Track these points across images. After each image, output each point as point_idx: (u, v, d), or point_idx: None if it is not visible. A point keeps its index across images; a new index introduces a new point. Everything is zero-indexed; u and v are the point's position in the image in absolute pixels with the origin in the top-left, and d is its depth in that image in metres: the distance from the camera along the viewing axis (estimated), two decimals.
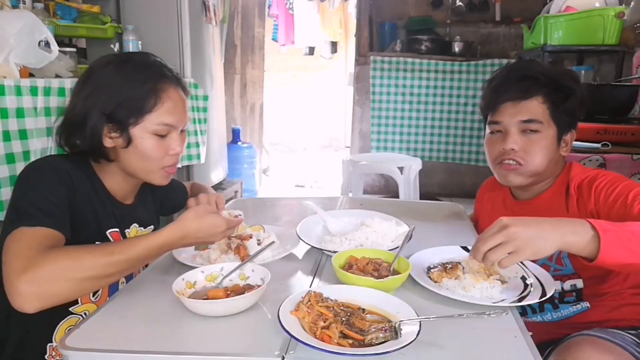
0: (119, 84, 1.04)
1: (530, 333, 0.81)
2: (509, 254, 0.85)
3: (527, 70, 1.19)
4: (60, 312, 1.05)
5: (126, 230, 1.18)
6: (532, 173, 1.20)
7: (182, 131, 1.14)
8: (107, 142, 1.07)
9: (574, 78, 1.21)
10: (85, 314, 1.08)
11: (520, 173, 1.20)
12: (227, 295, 0.87)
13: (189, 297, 0.86)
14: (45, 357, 1.06)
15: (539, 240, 0.85)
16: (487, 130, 1.26)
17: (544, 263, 1.19)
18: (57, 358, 1.07)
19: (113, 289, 1.14)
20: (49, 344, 1.06)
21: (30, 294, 0.82)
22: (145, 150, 1.07)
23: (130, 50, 2.48)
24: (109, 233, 1.12)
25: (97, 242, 1.07)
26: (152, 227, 1.26)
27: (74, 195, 1.02)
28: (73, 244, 0.95)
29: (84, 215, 1.05)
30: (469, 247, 1.12)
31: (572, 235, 0.86)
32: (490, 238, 0.86)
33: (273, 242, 1.12)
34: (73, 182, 1.03)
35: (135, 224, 1.20)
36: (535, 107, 1.17)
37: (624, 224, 0.89)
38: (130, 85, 1.04)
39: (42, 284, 0.83)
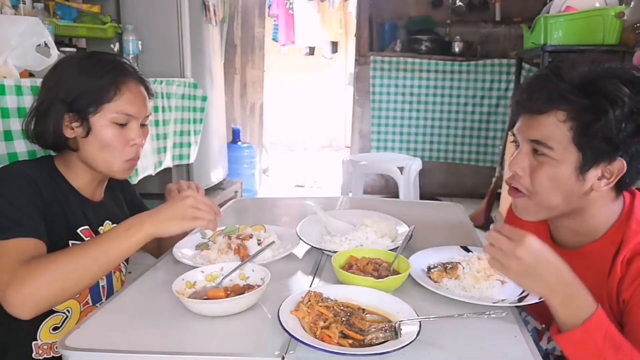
0: (80, 76, 1.09)
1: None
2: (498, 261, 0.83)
3: (555, 78, 0.92)
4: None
5: (100, 228, 1.18)
6: (542, 207, 0.97)
7: (143, 125, 1.16)
8: (68, 133, 1.09)
9: (619, 89, 0.86)
10: (68, 310, 1.09)
11: (527, 206, 0.98)
12: (227, 295, 0.87)
13: (189, 297, 0.86)
14: (33, 355, 1.07)
15: (528, 280, 0.81)
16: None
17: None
18: (45, 356, 1.08)
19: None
20: (34, 342, 1.07)
21: (20, 305, 0.88)
22: (104, 139, 1.09)
23: (130, 51, 2.49)
24: (81, 231, 1.12)
25: (70, 242, 1.09)
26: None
27: (41, 199, 1.03)
28: (46, 245, 0.98)
29: (53, 217, 1.06)
30: (469, 247, 1.13)
31: (561, 304, 0.80)
32: (500, 240, 0.81)
33: (273, 242, 1.12)
34: (38, 186, 1.04)
35: (108, 221, 1.21)
36: (550, 126, 0.91)
37: (615, 344, 0.78)
38: (91, 76, 1.08)
39: (29, 293, 0.88)
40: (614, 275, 0.91)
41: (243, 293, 0.87)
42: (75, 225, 1.12)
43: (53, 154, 1.17)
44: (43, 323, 1.07)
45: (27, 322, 0.90)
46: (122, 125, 1.11)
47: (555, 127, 0.91)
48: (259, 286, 0.88)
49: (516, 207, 1.02)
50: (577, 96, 0.89)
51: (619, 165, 0.90)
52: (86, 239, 1.12)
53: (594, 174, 0.91)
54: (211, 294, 0.89)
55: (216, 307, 0.85)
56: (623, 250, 0.90)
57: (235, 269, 0.96)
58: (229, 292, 0.89)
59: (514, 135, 1.00)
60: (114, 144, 1.11)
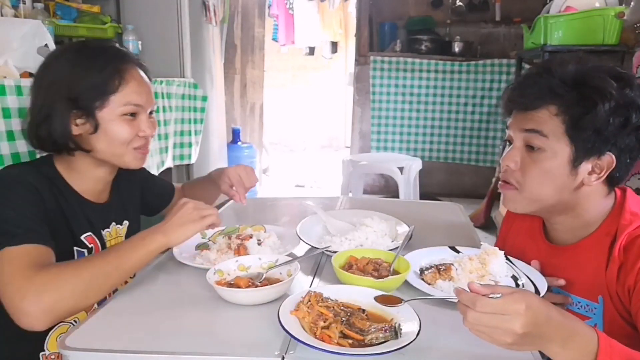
0: (79, 69, 1.03)
1: None
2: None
3: (546, 75, 0.96)
4: None
5: (106, 230, 1.16)
6: (531, 200, 0.99)
7: (150, 114, 1.12)
8: (74, 130, 1.04)
9: (607, 84, 0.90)
10: (75, 321, 1.07)
11: (515, 198, 1.01)
12: (249, 285, 0.91)
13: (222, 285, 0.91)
14: None
15: (531, 343, 0.68)
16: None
17: None
18: None
19: None
20: (41, 353, 1.05)
21: (38, 313, 0.84)
22: (114, 133, 1.06)
23: (130, 51, 2.48)
24: (84, 238, 1.10)
25: (75, 248, 1.07)
26: (126, 222, 1.24)
27: (44, 207, 1.00)
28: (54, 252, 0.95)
29: (56, 224, 1.03)
30: (457, 248, 1.12)
31: (562, 348, 0.68)
32: (483, 319, 0.66)
33: (328, 246, 1.13)
34: (41, 194, 1.00)
35: (113, 222, 1.19)
36: (543, 118, 0.94)
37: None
38: (91, 68, 1.03)
39: (48, 300, 0.84)
40: (612, 264, 0.92)
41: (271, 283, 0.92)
42: (78, 232, 1.09)
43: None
44: (50, 333, 1.06)
45: (35, 333, 0.88)
46: (132, 117, 1.07)
47: (549, 119, 0.94)
48: (278, 280, 0.93)
49: (506, 199, 1.03)
50: (568, 91, 0.92)
51: (609, 160, 0.93)
52: (90, 245, 1.10)
53: (584, 168, 0.94)
54: (236, 281, 0.93)
55: (246, 296, 0.89)
56: (619, 238, 0.92)
57: (284, 263, 0.99)
58: (250, 282, 0.93)
59: (509, 129, 1.03)
60: (124, 136, 1.07)
